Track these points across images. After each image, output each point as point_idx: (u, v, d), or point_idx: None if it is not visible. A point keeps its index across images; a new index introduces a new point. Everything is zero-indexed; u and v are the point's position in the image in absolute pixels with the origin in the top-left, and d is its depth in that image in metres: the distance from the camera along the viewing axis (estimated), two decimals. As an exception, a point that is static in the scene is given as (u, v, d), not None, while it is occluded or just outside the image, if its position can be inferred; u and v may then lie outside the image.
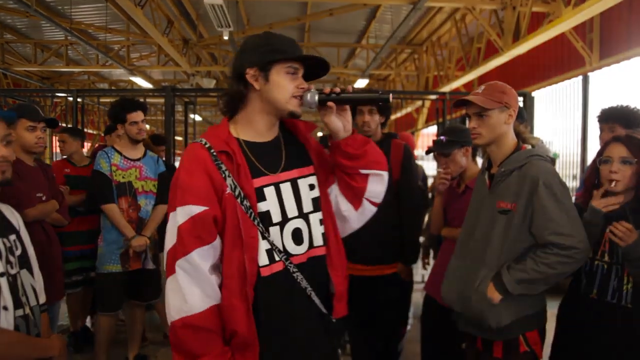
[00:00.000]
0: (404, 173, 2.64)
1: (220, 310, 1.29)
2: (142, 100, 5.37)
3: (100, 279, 3.02)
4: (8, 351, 1.32)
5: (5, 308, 1.33)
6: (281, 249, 1.34)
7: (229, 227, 1.29)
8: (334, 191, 1.51)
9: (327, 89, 1.39)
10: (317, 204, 1.44)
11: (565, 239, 1.64)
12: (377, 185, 1.49)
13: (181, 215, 1.28)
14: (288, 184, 1.40)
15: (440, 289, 2.39)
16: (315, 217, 1.43)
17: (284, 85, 1.35)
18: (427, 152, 2.63)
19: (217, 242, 1.30)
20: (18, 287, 1.42)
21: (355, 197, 1.49)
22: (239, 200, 1.30)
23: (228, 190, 1.30)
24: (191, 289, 1.26)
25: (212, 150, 1.32)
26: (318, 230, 1.42)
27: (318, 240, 1.42)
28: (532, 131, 6.46)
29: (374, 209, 1.54)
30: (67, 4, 7.53)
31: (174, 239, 1.28)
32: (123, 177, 3.01)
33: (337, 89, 1.39)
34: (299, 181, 1.42)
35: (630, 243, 1.70)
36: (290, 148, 1.45)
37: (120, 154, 3.04)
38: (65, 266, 3.19)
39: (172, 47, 8.09)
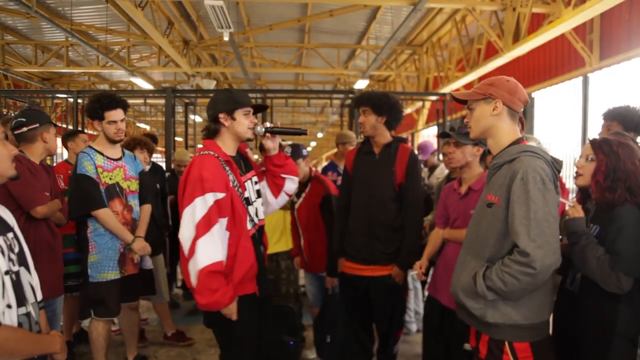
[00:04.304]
0: (408, 178, 2.67)
1: (237, 255, 2.05)
2: (141, 100, 5.39)
3: (99, 287, 2.80)
4: (15, 347, 1.33)
5: (9, 306, 1.34)
6: (254, 219, 2.21)
7: (234, 206, 2.06)
8: (263, 186, 2.37)
9: (267, 124, 2.23)
10: (259, 193, 2.32)
11: (523, 242, 1.55)
12: (291, 184, 2.38)
13: (210, 198, 1.98)
14: (249, 181, 2.25)
15: (442, 290, 2.41)
16: (259, 201, 2.30)
17: (243, 122, 2.14)
18: (442, 136, 2.59)
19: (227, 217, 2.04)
20: (21, 285, 1.44)
21: (277, 190, 2.37)
22: (236, 189, 2.10)
23: (231, 183, 2.08)
24: (217, 245, 1.99)
25: (220, 159, 2.08)
26: (260, 210, 2.30)
27: (261, 216, 2.30)
28: (532, 132, 6.48)
29: (287, 198, 2.42)
30: (67, 5, 7.54)
31: (203, 212, 1.96)
32: (110, 179, 2.81)
33: (271, 125, 2.25)
34: (252, 179, 2.28)
35: (574, 217, 1.85)
36: (243, 159, 2.29)
37: (102, 154, 2.81)
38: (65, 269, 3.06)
39: (173, 48, 8.09)
